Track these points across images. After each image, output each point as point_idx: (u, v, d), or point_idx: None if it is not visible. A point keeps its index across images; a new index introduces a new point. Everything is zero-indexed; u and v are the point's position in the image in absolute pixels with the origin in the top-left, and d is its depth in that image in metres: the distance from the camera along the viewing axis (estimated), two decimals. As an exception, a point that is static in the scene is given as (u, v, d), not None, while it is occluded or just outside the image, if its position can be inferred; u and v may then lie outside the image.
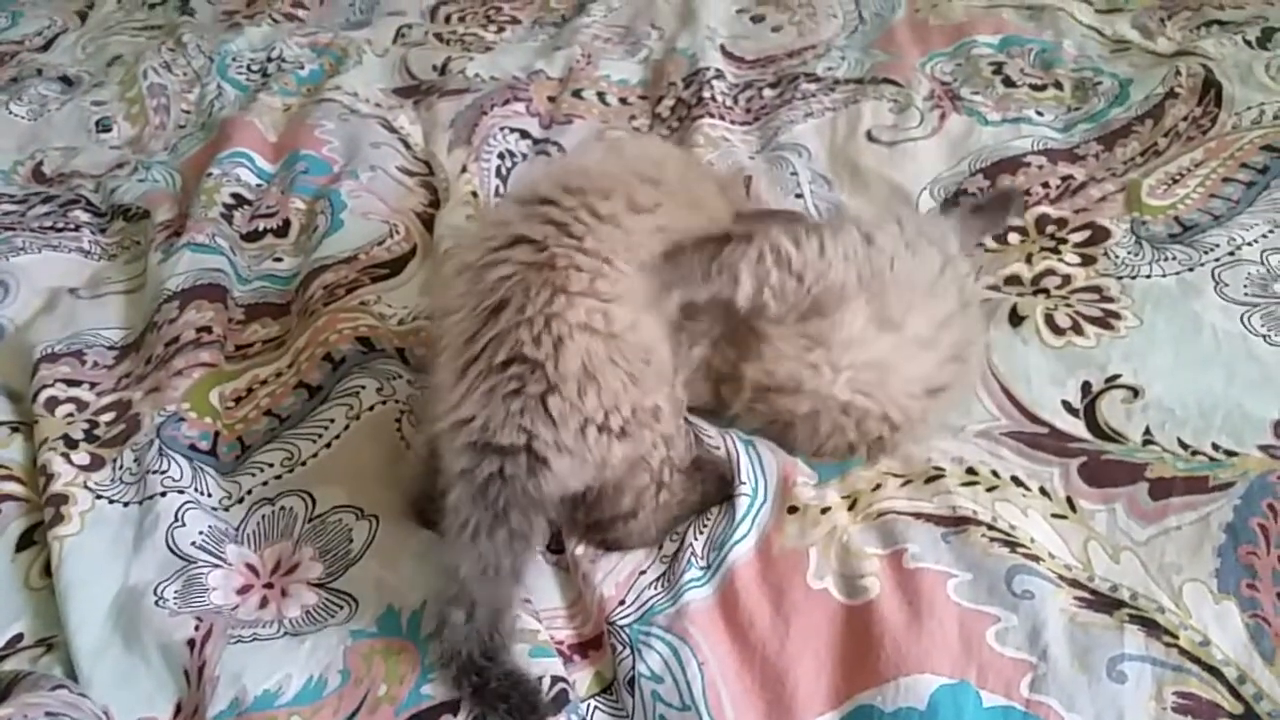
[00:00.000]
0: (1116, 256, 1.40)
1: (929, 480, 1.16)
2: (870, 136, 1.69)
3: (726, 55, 1.97)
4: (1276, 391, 1.22)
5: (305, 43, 2.17)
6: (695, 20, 2.05)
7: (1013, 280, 1.41)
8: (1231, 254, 1.38)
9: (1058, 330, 1.32)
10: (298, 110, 1.96)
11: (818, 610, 1.07)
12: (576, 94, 1.90)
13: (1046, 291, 1.38)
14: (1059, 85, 1.76)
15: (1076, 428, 1.22)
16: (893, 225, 1.23)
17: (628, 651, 1.06)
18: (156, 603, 1.15)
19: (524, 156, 1.78)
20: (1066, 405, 1.24)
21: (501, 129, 1.81)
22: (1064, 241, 1.44)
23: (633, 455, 1.09)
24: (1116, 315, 1.32)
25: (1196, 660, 0.99)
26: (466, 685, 1.00)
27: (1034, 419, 1.24)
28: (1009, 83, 1.78)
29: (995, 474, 1.17)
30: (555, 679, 1.04)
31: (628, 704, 1.04)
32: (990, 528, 1.10)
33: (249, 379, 1.43)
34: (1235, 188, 1.49)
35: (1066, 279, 1.39)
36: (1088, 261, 1.41)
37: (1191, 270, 1.37)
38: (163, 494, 1.25)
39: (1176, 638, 1.01)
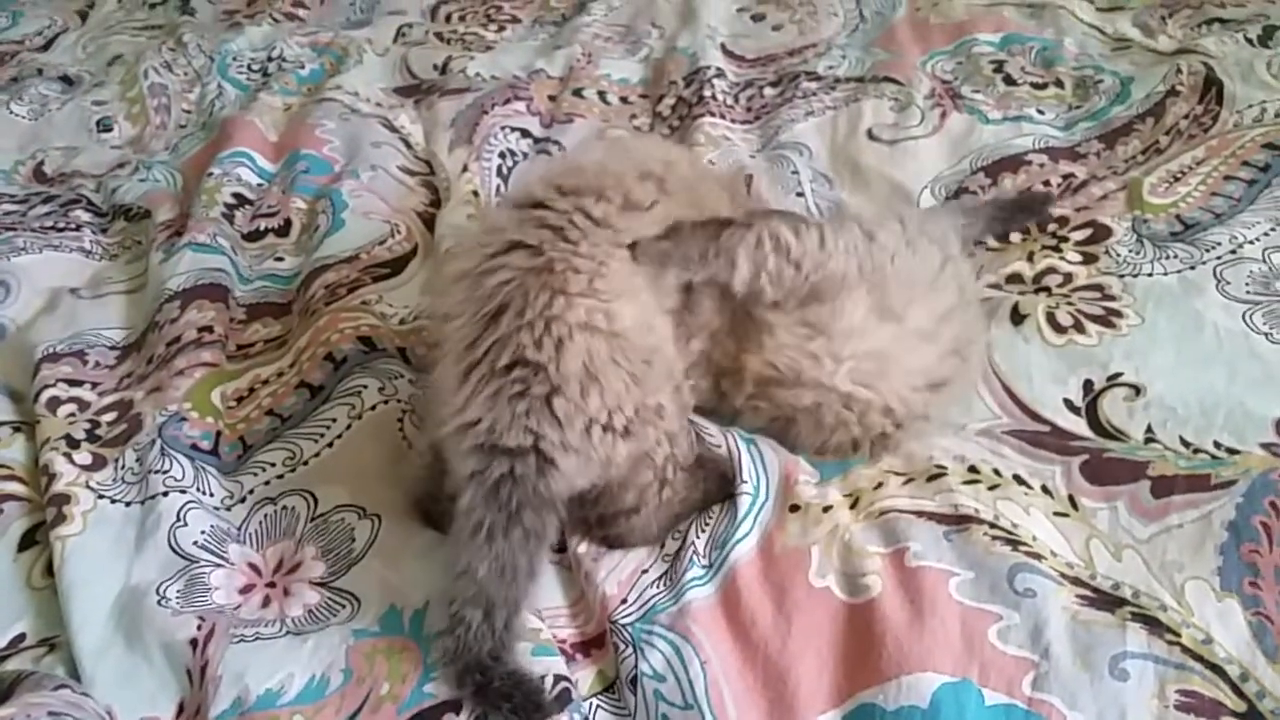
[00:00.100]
0: (1118, 255, 1.40)
1: (931, 479, 1.16)
2: (871, 135, 1.69)
3: (727, 54, 1.97)
4: (1278, 389, 1.22)
5: (306, 42, 2.17)
6: (696, 19, 2.05)
7: (1014, 278, 1.40)
8: (1233, 252, 1.38)
9: (1059, 328, 1.32)
10: (298, 110, 1.96)
11: (820, 609, 1.07)
12: (577, 93, 1.90)
13: (1048, 290, 1.38)
14: (1060, 83, 1.76)
15: (1078, 426, 1.22)
16: (894, 223, 1.24)
17: (630, 650, 1.06)
18: (159, 602, 1.15)
19: (525, 155, 1.79)
20: (1068, 403, 1.24)
21: (502, 128, 1.81)
22: (1065, 240, 1.44)
23: (637, 453, 1.09)
24: (1118, 313, 1.32)
25: (1199, 658, 0.99)
26: (469, 684, 1.00)
27: (1036, 417, 1.24)
28: (1010, 81, 1.78)
29: (997, 472, 1.17)
30: (558, 678, 1.04)
31: (630, 703, 1.04)
32: (992, 526, 1.10)
33: (250, 379, 1.43)
34: (1237, 186, 1.49)
35: (1068, 277, 1.38)
36: (1089, 260, 1.41)
37: (1193, 268, 1.37)
38: (165, 494, 1.25)
39: (1179, 636, 1.01)
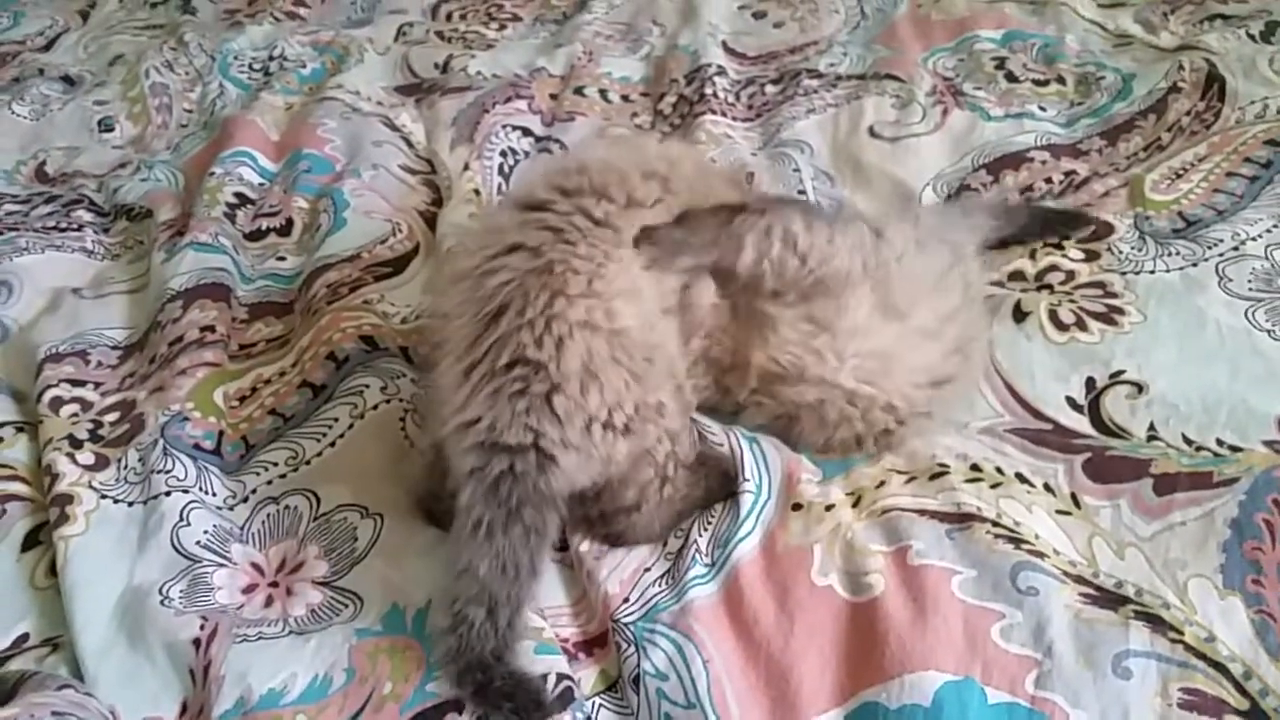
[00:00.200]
0: (1120, 252, 1.40)
1: (933, 477, 1.16)
2: (873, 132, 1.69)
3: (728, 51, 1.97)
4: (1281, 386, 1.22)
5: (307, 41, 2.17)
6: (697, 17, 2.05)
7: (1016, 276, 1.40)
8: (1235, 249, 1.38)
9: (1061, 326, 1.31)
10: (300, 109, 1.96)
11: (822, 607, 1.07)
12: (578, 91, 1.90)
13: (1050, 287, 1.38)
14: (1062, 80, 1.76)
15: (1080, 424, 1.22)
16: (905, 223, 1.24)
17: (632, 649, 1.06)
18: (162, 602, 1.15)
19: (526, 154, 1.79)
20: (1070, 401, 1.24)
21: (503, 127, 1.81)
22: (1067, 237, 1.44)
23: (638, 450, 1.09)
24: (1120, 311, 1.32)
25: (1202, 656, 0.99)
26: (470, 684, 1.00)
27: (1038, 415, 1.24)
28: (1011, 78, 1.78)
29: (999, 470, 1.17)
30: (560, 676, 1.04)
31: (632, 702, 1.04)
32: (995, 524, 1.10)
33: (253, 378, 1.43)
34: (1239, 182, 1.49)
35: (1070, 274, 1.38)
36: (1091, 257, 1.41)
37: (1195, 265, 1.36)
38: (167, 493, 1.25)
39: (1182, 634, 1.01)
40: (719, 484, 1.17)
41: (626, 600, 1.10)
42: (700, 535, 1.13)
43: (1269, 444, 1.16)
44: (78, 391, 1.42)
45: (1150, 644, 1.00)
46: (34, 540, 1.24)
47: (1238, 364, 1.24)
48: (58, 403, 1.39)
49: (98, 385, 1.44)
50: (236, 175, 1.78)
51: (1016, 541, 1.09)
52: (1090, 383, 1.25)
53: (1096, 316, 1.32)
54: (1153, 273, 1.36)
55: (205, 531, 1.23)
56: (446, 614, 1.02)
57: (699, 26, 2.01)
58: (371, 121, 1.87)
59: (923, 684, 0.99)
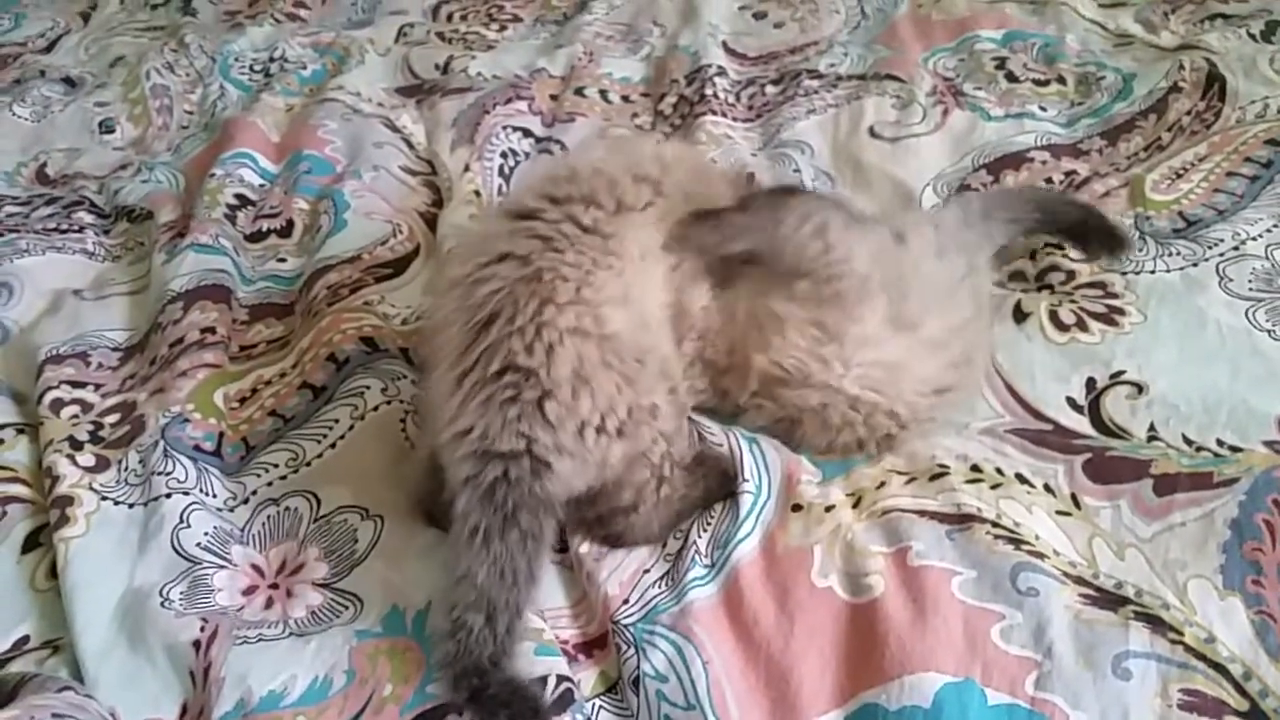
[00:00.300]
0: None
1: (933, 478, 1.16)
2: (873, 133, 1.69)
3: (729, 52, 1.97)
4: (1281, 386, 1.21)
5: (307, 42, 2.17)
6: (697, 17, 2.04)
7: (1016, 276, 1.40)
8: (1236, 249, 1.37)
9: (1062, 326, 1.31)
10: (300, 110, 1.96)
11: (822, 608, 1.06)
12: (579, 92, 1.90)
13: (1050, 287, 1.38)
14: (1062, 80, 1.76)
15: (1081, 424, 1.22)
16: (928, 227, 1.24)
17: (632, 651, 1.06)
18: (162, 604, 1.15)
19: (526, 155, 1.79)
20: (1071, 402, 1.24)
21: (504, 128, 1.81)
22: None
23: (632, 453, 1.10)
24: (1120, 311, 1.32)
25: (1202, 657, 0.99)
26: (465, 690, 1.00)
27: (1038, 416, 1.24)
28: (1012, 78, 1.77)
29: (999, 471, 1.17)
30: (560, 678, 1.04)
31: (632, 703, 1.04)
32: (995, 525, 1.10)
33: (253, 380, 1.43)
34: (1239, 182, 1.49)
35: (1070, 275, 1.38)
36: (1092, 257, 1.40)
37: (1196, 265, 1.36)
38: (168, 495, 1.25)
39: (1182, 634, 1.01)
40: (718, 484, 1.17)
41: (626, 602, 1.10)
42: (700, 536, 1.13)
43: (1269, 444, 1.16)
44: (78, 393, 1.42)
45: (1150, 645, 1.00)
46: (34, 542, 1.25)
47: (1238, 364, 1.24)
48: (58, 404, 1.40)
49: (98, 387, 1.44)
50: (237, 177, 1.79)
51: (1016, 542, 1.08)
52: (1090, 383, 1.25)
53: (1097, 317, 1.32)
54: (1153, 273, 1.36)
55: (205, 533, 1.23)
56: (445, 620, 1.02)
57: (699, 27, 2.01)
58: (372, 123, 1.87)
59: (923, 685, 0.99)
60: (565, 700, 1.02)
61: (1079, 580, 1.06)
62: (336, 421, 1.34)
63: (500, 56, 2.04)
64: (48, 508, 1.25)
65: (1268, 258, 1.36)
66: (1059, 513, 1.13)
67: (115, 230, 1.77)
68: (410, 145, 1.83)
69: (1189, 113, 1.63)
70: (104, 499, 1.27)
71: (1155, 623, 1.02)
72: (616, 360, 1.07)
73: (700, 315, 1.20)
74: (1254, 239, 1.39)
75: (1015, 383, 1.27)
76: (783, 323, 1.19)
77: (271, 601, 1.18)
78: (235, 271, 1.60)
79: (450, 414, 1.06)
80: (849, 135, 1.70)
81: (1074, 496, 1.15)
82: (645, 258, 1.15)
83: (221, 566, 1.21)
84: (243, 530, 1.25)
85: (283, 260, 1.64)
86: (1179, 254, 1.38)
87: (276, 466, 1.31)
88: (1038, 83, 1.76)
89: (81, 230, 1.75)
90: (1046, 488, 1.16)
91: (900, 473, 1.18)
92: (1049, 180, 1.55)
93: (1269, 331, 1.27)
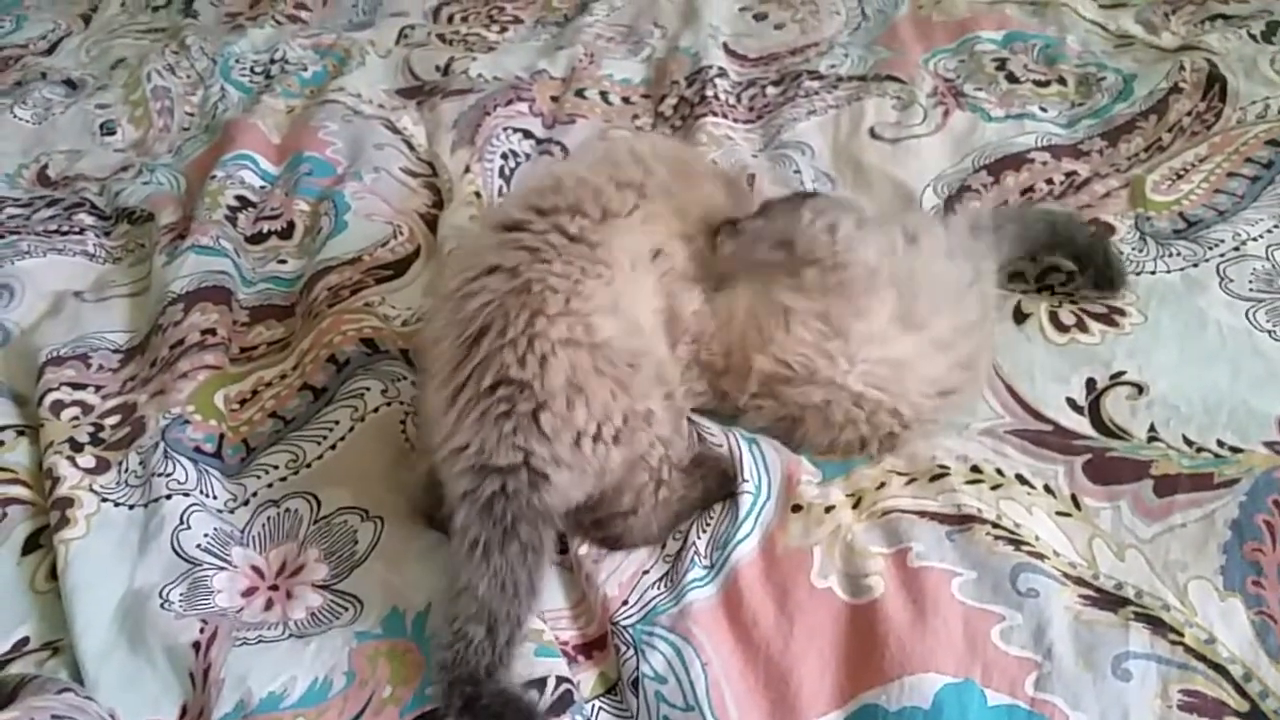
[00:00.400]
0: (1121, 253, 1.40)
1: (934, 479, 1.16)
2: (873, 134, 1.69)
3: (729, 53, 1.97)
4: (1281, 387, 1.21)
5: (308, 44, 2.17)
6: (698, 18, 2.05)
7: (1016, 277, 1.40)
8: (1236, 249, 1.38)
9: (1062, 327, 1.31)
10: (301, 112, 1.96)
11: (822, 609, 1.06)
12: (579, 93, 1.90)
13: (1051, 288, 1.38)
14: (1063, 81, 1.76)
15: (1081, 425, 1.22)
16: (939, 229, 1.24)
17: (631, 652, 1.06)
18: (162, 605, 1.15)
19: (527, 156, 1.79)
20: (1071, 402, 1.24)
21: (504, 129, 1.81)
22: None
23: (631, 457, 1.10)
24: (1121, 312, 1.32)
25: (1202, 658, 0.99)
26: (458, 699, 0.99)
27: (1038, 416, 1.24)
28: (1012, 79, 1.78)
29: (1000, 472, 1.17)
30: (560, 679, 1.04)
31: (632, 705, 1.04)
32: (995, 526, 1.10)
33: (254, 381, 1.43)
34: (1240, 183, 1.49)
35: (1070, 275, 1.38)
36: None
37: (1196, 266, 1.36)
38: (168, 497, 1.25)
39: (1182, 635, 1.01)
40: (717, 485, 1.17)
41: (625, 603, 1.10)
42: (699, 537, 1.13)
43: (1269, 445, 1.16)
44: (79, 395, 1.42)
45: (1150, 646, 1.00)
46: (35, 544, 1.25)
47: (1238, 365, 1.24)
48: (59, 406, 1.40)
49: (99, 388, 1.44)
50: (238, 178, 1.79)
51: (1016, 543, 1.08)
52: (1091, 384, 1.25)
53: (1097, 318, 1.32)
54: (1153, 273, 1.36)
55: (205, 534, 1.23)
56: (446, 631, 1.02)
57: (700, 28, 2.01)
58: (373, 124, 1.87)
59: (922, 686, 0.99)
60: (565, 701, 1.03)
61: (1079, 581, 1.06)
62: (337, 423, 1.34)
63: (501, 58, 2.05)
64: (48, 509, 1.26)
65: (1268, 258, 1.36)
66: (1059, 513, 1.13)
67: (116, 232, 1.77)
68: (411, 147, 1.83)
69: (1189, 113, 1.63)
70: (104, 501, 1.27)
71: (1155, 623, 1.02)
72: (609, 367, 1.07)
73: (693, 319, 1.21)
74: (1254, 239, 1.39)
75: (1015, 383, 1.27)
76: (788, 316, 1.19)
77: (271, 603, 1.18)
78: (236, 273, 1.60)
79: (446, 430, 1.06)
80: (849, 136, 1.70)
81: (1074, 497, 1.15)
82: (634, 264, 1.16)
83: (221, 568, 1.21)
84: (243, 532, 1.25)
85: (283, 262, 1.64)
86: (1179, 255, 1.38)
87: (277, 468, 1.31)
88: (1038, 84, 1.76)
89: (82, 232, 1.75)
90: (1047, 488, 1.16)
91: (900, 473, 1.18)
92: (1049, 181, 1.55)
93: (1269, 332, 1.27)
